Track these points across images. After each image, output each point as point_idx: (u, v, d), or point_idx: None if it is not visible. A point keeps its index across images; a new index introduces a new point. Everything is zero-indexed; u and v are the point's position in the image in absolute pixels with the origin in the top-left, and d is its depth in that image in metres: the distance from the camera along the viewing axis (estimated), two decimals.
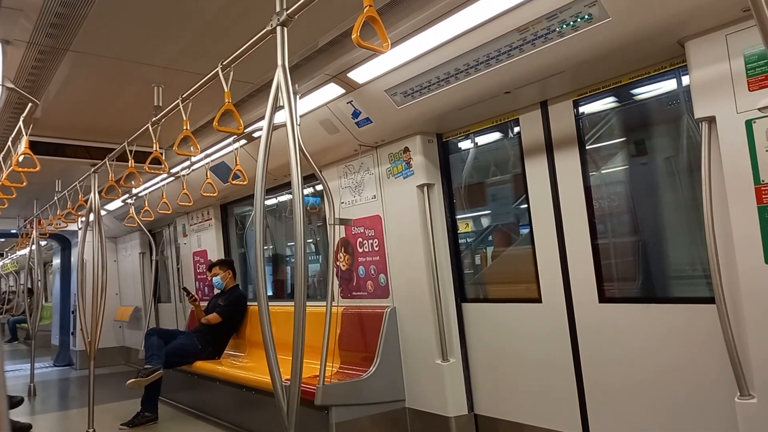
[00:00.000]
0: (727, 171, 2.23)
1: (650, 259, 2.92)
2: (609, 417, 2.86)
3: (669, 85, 2.71)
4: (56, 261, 9.88)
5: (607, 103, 2.97)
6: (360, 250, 4.01)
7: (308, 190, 5.03)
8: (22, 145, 3.63)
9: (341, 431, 3.37)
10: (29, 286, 9.00)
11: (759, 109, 2.13)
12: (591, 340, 2.92)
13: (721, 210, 2.27)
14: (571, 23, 2.37)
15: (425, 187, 3.56)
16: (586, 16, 2.31)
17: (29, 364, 6.72)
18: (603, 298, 2.88)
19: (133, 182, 5.33)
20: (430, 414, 3.51)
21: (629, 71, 2.74)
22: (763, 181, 2.13)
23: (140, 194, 6.17)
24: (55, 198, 5.91)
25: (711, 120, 2.28)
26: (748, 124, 2.16)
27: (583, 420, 2.96)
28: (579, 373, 2.97)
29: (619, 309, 2.81)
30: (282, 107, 1.99)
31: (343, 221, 3.96)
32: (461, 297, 3.62)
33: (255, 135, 4.21)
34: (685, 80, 2.55)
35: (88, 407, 4.03)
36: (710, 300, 2.34)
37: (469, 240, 3.80)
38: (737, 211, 2.21)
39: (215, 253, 6.13)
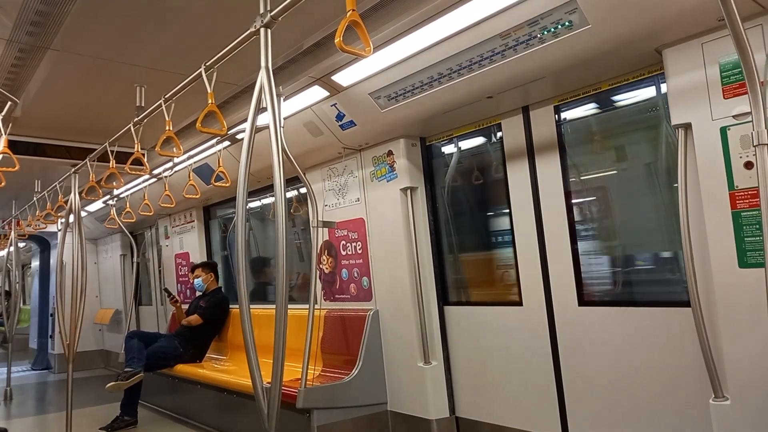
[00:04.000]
0: (702, 176, 2.28)
1: (628, 263, 2.97)
2: (588, 419, 2.89)
3: (648, 92, 2.76)
4: (35, 263, 9.72)
5: (587, 109, 3.01)
6: (343, 253, 4.01)
7: (292, 193, 5.02)
8: (1, 145, 3.57)
9: None
10: (7, 288, 8.82)
11: (734, 117, 2.18)
12: (570, 342, 2.96)
13: (697, 215, 2.31)
14: (552, 30, 2.40)
15: (408, 191, 3.57)
16: (567, 23, 2.35)
17: (6, 368, 6.60)
18: (582, 301, 2.91)
19: (114, 183, 5.27)
20: (412, 417, 3.52)
21: (609, 78, 2.78)
22: (737, 186, 2.18)
23: (121, 195, 6.11)
24: (35, 198, 5.82)
25: (687, 126, 2.33)
26: (723, 131, 2.21)
27: (562, 422, 2.99)
28: (558, 375, 3.01)
29: (597, 312, 2.85)
30: (265, 109, 1.99)
31: (326, 224, 3.95)
32: (443, 300, 3.64)
33: (238, 137, 4.20)
34: (663, 87, 2.60)
35: (66, 411, 3.97)
36: (686, 303, 2.39)
37: None
38: (712, 216, 2.25)
39: (198, 256, 6.08)
